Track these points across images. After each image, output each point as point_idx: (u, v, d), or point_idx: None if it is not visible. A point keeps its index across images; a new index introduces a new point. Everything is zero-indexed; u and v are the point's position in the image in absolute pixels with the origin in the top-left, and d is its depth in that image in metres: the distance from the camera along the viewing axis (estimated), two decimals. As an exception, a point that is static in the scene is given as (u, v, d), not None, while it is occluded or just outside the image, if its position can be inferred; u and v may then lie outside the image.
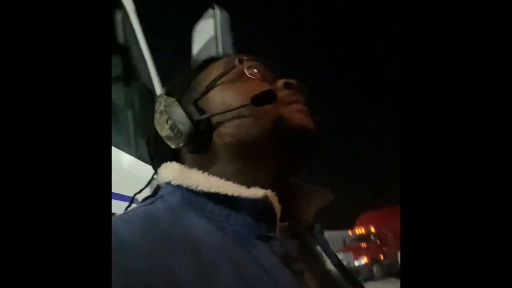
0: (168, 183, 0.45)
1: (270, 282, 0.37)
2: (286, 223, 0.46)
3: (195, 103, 0.47)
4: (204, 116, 0.46)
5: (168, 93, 0.51)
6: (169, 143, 0.47)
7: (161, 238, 0.38)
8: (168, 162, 0.48)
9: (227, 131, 0.45)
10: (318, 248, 0.49)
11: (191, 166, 0.47)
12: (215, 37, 1.23)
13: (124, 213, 0.43)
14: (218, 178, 0.43)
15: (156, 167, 0.50)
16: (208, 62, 0.52)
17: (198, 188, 0.42)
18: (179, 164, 0.47)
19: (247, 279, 0.37)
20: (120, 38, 1.43)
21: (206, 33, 1.26)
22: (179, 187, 0.44)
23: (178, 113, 0.46)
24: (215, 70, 0.49)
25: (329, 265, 0.47)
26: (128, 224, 0.39)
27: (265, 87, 0.46)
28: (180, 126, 0.46)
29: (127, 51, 1.51)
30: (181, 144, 0.46)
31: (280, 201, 0.43)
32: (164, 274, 0.35)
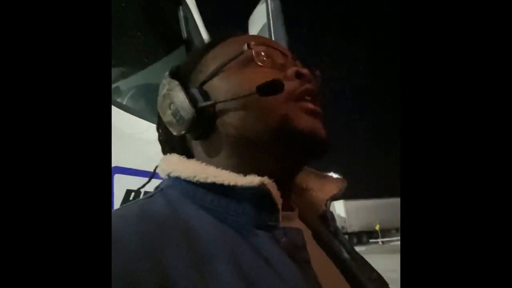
0: (168, 176, 0.45)
1: (270, 272, 0.36)
2: (296, 212, 0.46)
3: (200, 87, 0.45)
4: (208, 103, 0.43)
5: (173, 74, 0.48)
6: (171, 129, 0.46)
7: (154, 232, 0.37)
8: (168, 154, 0.47)
9: (230, 121, 0.43)
10: (331, 236, 0.48)
11: (196, 154, 0.47)
12: (268, 24, 1.28)
13: (120, 207, 0.42)
14: (215, 167, 0.42)
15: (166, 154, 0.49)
16: (216, 42, 0.50)
17: (196, 179, 0.41)
18: (177, 155, 0.46)
19: (246, 270, 0.36)
20: (184, 33, 1.54)
21: (259, 21, 1.32)
22: (178, 179, 0.43)
23: (181, 98, 0.44)
24: (222, 53, 0.47)
25: (344, 253, 0.46)
26: (122, 218, 0.38)
27: (274, 75, 0.43)
28: (183, 113, 0.43)
29: (191, 45, 1.61)
30: (182, 132, 0.44)
31: (286, 189, 0.41)
32: (156, 267, 0.34)
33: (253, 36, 0.51)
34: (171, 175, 0.44)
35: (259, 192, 0.39)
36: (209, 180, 0.40)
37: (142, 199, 0.43)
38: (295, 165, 0.46)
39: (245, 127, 0.43)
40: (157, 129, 0.52)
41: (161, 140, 0.51)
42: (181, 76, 0.47)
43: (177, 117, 0.44)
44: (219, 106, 0.44)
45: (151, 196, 0.43)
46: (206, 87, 0.45)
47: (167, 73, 0.48)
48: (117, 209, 0.41)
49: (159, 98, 0.47)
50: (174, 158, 0.46)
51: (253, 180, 0.39)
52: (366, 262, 0.49)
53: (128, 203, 0.44)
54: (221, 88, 0.44)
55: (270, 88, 0.41)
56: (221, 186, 0.40)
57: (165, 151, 0.50)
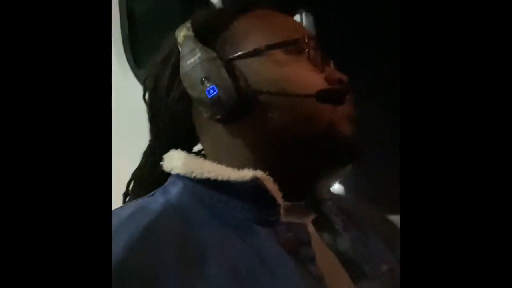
0: (171, 173, 0.44)
1: (264, 272, 0.35)
2: (306, 202, 0.44)
3: (231, 62, 0.40)
4: (255, 90, 0.39)
5: (199, 34, 0.41)
6: (201, 108, 0.41)
7: (144, 230, 0.36)
8: (171, 151, 0.44)
9: (273, 116, 0.40)
10: (335, 226, 0.45)
11: (204, 140, 0.45)
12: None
13: (118, 207, 0.41)
14: (212, 162, 0.41)
15: (155, 144, 0.47)
16: (247, 8, 0.45)
17: (193, 175, 0.40)
18: (178, 151, 0.44)
19: (239, 270, 0.35)
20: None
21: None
22: (179, 176, 0.42)
23: (223, 77, 0.39)
24: (262, 30, 0.42)
25: (346, 244, 0.43)
26: (115, 217, 0.37)
27: (322, 78, 0.41)
28: (223, 95, 0.38)
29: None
30: (217, 116, 0.40)
31: (292, 183, 0.40)
32: (143, 266, 0.33)
33: (300, 24, 0.47)
34: (173, 172, 0.43)
35: (253, 187, 0.37)
36: (204, 176, 0.39)
37: (143, 197, 0.43)
38: (318, 172, 0.44)
39: (287, 125, 0.40)
40: (155, 111, 0.46)
41: (160, 127, 0.46)
42: (207, 39, 0.41)
43: (214, 98, 0.39)
44: (263, 95, 0.40)
45: (153, 194, 0.43)
46: (240, 64, 0.41)
47: (190, 32, 0.41)
48: (115, 209, 0.40)
49: (185, 64, 0.40)
50: (175, 154, 0.44)
51: (245, 174, 0.37)
52: (376, 253, 0.44)
53: (129, 202, 0.44)
54: (265, 75, 0.40)
55: (331, 97, 0.40)
56: (216, 181, 0.38)
57: (162, 142, 0.46)
